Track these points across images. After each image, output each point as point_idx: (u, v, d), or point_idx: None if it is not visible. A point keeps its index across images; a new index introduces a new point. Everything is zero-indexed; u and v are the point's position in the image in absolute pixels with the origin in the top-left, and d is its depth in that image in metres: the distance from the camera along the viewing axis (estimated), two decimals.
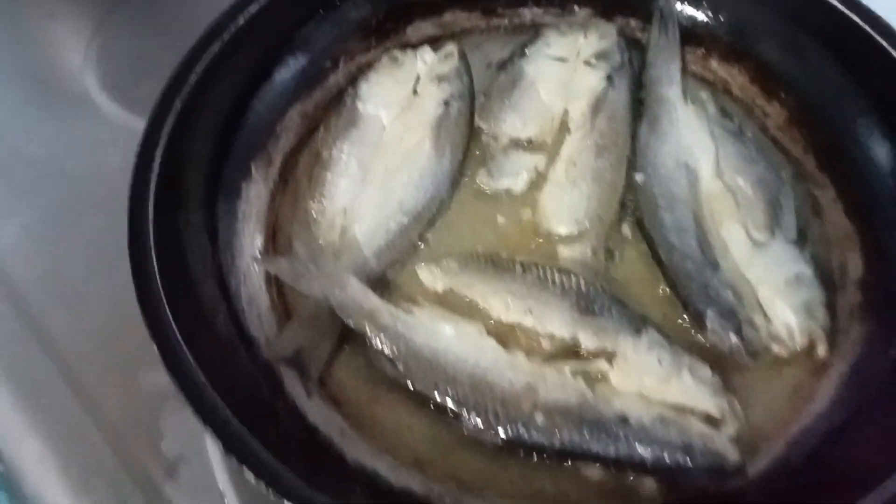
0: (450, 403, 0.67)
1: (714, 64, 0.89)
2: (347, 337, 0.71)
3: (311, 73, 0.85)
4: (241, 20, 0.75)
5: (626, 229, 0.78)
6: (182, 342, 0.60)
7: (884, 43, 0.74)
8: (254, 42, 0.78)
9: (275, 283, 0.75)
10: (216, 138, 0.74)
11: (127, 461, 0.75)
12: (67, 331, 0.79)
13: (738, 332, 0.69)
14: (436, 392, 0.67)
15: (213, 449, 0.74)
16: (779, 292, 0.72)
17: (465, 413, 0.66)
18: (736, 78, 0.88)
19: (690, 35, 0.88)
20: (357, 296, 0.70)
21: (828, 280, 0.74)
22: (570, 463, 0.65)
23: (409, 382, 0.68)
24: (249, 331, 0.70)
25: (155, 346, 0.59)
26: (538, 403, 0.66)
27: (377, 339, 0.69)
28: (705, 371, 0.67)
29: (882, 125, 0.76)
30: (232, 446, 0.55)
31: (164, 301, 0.62)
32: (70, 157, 0.94)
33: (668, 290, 0.74)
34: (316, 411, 0.67)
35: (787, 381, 0.70)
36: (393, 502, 0.61)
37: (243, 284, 0.72)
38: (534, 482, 0.65)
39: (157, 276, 0.63)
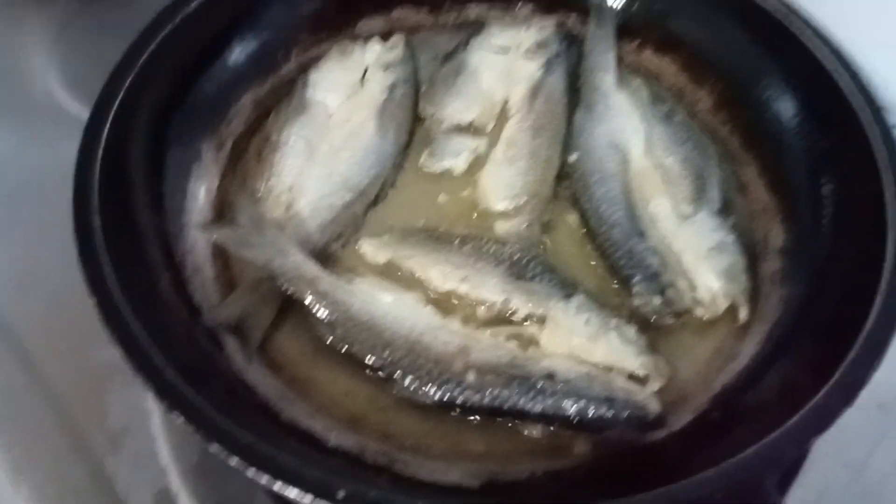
0: (385, 365, 0.69)
1: (648, 54, 0.94)
2: (289, 306, 0.74)
3: (265, 62, 0.89)
4: (192, 6, 0.79)
5: (562, 206, 0.82)
6: (123, 300, 0.62)
7: (795, 31, 0.79)
8: (203, 30, 0.81)
9: (220, 257, 0.77)
10: (163, 120, 0.77)
11: (70, 435, 0.75)
12: (16, 306, 0.80)
13: (662, 294, 0.72)
14: (372, 355, 0.70)
15: (157, 423, 0.75)
16: (702, 259, 0.75)
17: (399, 374, 0.69)
18: (668, 67, 0.93)
19: (625, 28, 0.93)
20: (298, 264, 0.72)
21: (751, 250, 0.78)
22: (500, 420, 0.67)
23: (346, 346, 0.70)
24: (193, 298, 0.72)
25: (95, 304, 0.61)
26: (470, 363, 0.68)
27: (317, 305, 0.71)
28: (631, 331, 0.70)
29: (796, 104, 0.81)
30: (165, 393, 0.57)
31: (109, 262, 0.64)
32: (29, 150, 0.97)
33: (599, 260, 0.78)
34: (255, 374, 0.69)
35: (712, 342, 0.73)
36: (324, 456, 0.63)
37: (189, 254, 0.75)
38: (465, 440, 0.67)
39: (102, 242, 0.65)
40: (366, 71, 0.89)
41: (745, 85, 0.86)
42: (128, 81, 0.73)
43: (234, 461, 0.54)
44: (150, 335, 0.60)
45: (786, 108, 0.82)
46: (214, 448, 0.54)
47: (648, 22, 0.93)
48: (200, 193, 0.80)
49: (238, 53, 0.86)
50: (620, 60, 0.92)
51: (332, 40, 0.93)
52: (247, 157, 0.85)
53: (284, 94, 0.89)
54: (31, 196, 0.91)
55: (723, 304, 0.73)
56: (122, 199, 0.70)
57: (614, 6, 0.93)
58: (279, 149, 0.83)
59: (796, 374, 0.65)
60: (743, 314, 0.73)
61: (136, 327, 0.59)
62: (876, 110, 0.73)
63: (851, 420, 0.73)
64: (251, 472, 0.53)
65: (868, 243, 0.68)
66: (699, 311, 0.74)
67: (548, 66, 0.89)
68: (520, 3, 0.97)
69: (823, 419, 0.57)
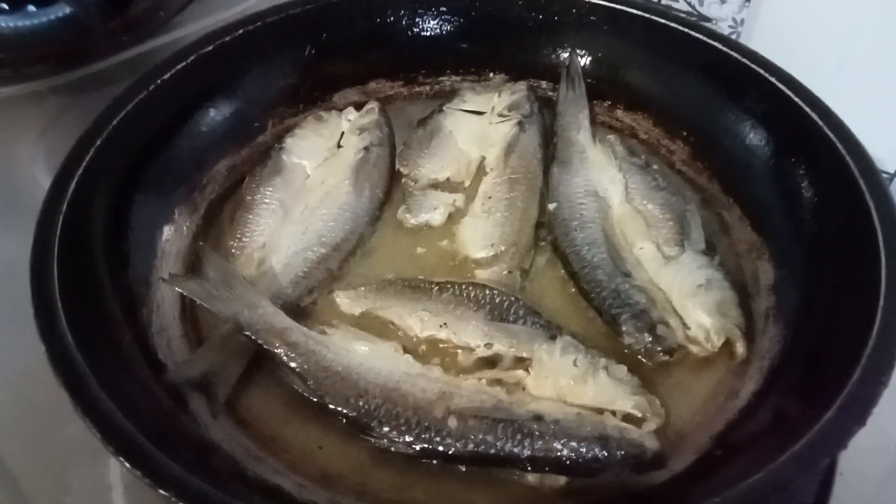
0: (360, 415, 0.64)
1: (620, 113, 0.95)
2: (259, 361, 0.70)
3: (240, 132, 0.89)
4: (166, 76, 0.81)
5: (544, 253, 0.80)
6: (82, 359, 0.58)
7: (762, 72, 0.81)
8: (175, 100, 0.82)
9: (189, 316, 0.74)
10: (130, 183, 0.76)
11: None
12: None
13: (652, 330, 0.69)
14: (346, 405, 0.65)
15: (118, 498, 0.69)
16: (691, 296, 0.72)
17: (375, 423, 0.64)
18: (641, 123, 0.94)
19: (596, 90, 0.95)
20: (267, 315, 0.69)
21: (742, 289, 0.75)
22: (486, 469, 0.62)
23: (319, 398, 0.66)
24: (158, 355, 0.68)
25: (49, 361, 0.57)
26: (451, 409, 0.63)
27: (287, 357, 0.67)
28: (622, 370, 0.66)
29: (769, 145, 0.81)
30: (133, 459, 0.52)
31: (64, 320, 0.60)
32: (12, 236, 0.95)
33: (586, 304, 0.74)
34: (220, 431, 0.64)
35: (709, 380, 0.69)
36: None
37: (155, 314, 0.71)
38: (449, 492, 0.61)
39: (59, 296, 0.62)
40: (341, 136, 0.90)
41: (717, 134, 0.86)
42: (96, 144, 0.73)
43: None
44: (113, 400, 0.55)
45: (759, 149, 0.82)
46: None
47: (616, 83, 0.95)
48: (171, 254, 0.78)
49: (212, 123, 0.86)
50: (594, 119, 0.94)
51: (308, 112, 0.94)
52: (221, 219, 0.84)
53: (260, 161, 0.89)
54: (8, 281, 0.89)
55: (717, 340, 0.69)
56: (84, 259, 0.68)
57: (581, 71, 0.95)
58: (252, 210, 0.82)
59: (796, 406, 0.60)
60: (740, 350, 0.69)
61: (98, 392, 0.55)
62: (854, 144, 0.72)
63: (870, 462, 0.68)
64: None
65: (859, 275, 0.65)
66: (694, 349, 0.70)
67: (521, 126, 0.90)
68: (492, 73, 1.00)
69: (831, 442, 0.52)
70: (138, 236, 0.74)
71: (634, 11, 0.91)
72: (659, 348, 0.68)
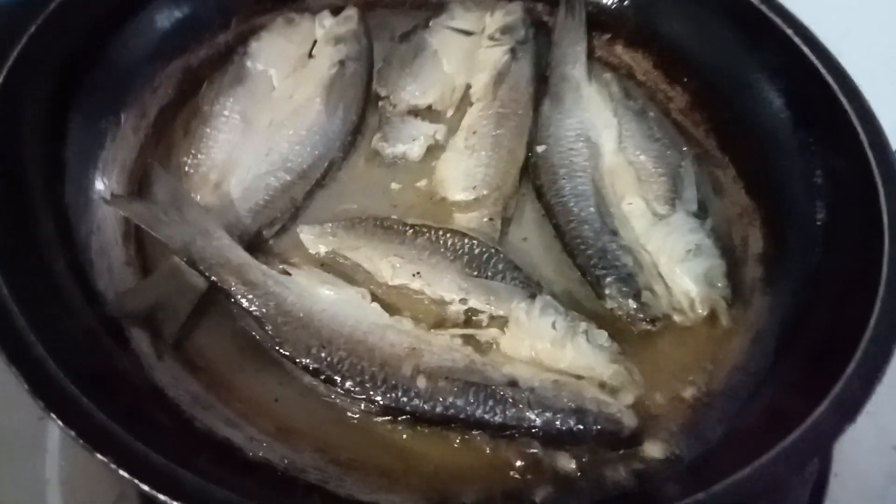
0: (322, 368, 0.59)
1: (619, 49, 0.88)
2: (213, 298, 0.63)
3: (198, 27, 0.79)
4: None
5: (528, 200, 0.75)
6: (7, 293, 0.51)
7: (778, 21, 0.74)
8: None
9: (134, 238, 0.67)
10: (69, 80, 0.66)
11: None
12: None
13: (637, 297, 0.65)
14: (307, 356, 0.60)
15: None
16: (679, 262, 0.68)
17: (339, 378, 0.59)
18: (640, 63, 0.87)
19: (596, 20, 0.87)
20: (223, 248, 0.62)
21: (730, 255, 0.72)
22: (454, 433, 0.58)
23: (277, 346, 0.60)
24: (96, 285, 0.61)
25: None
26: (421, 367, 0.59)
27: (243, 296, 0.61)
28: (602, 336, 0.63)
29: (780, 106, 0.75)
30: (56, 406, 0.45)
31: None
32: None
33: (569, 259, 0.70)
34: (165, 374, 0.58)
35: (691, 350, 0.66)
36: (245, 472, 0.52)
37: (95, 234, 0.64)
38: (413, 454, 0.58)
39: None
40: (314, 45, 0.80)
41: (723, 84, 0.80)
42: (30, 31, 0.63)
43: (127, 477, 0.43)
44: (42, 339, 0.49)
45: (765, 107, 0.76)
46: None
47: (621, 14, 0.87)
48: (115, 165, 0.69)
49: (166, 16, 0.76)
50: (591, 54, 0.86)
51: (278, 11, 0.84)
52: (173, 130, 0.75)
53: (220, 65, 0.79)
54: None
55: (702, 311, 0.66)
56: (10, 163, 0.59)
57: None
58: (209, 122, 0.73)
59: (788, 394, 0.58)
60: (724, 320, 0.66)
61: (26, 333, 0.48)
62: (869, 118, 0.67)
63: (868, 462, 0.67)
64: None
65: (864, 251, 0.62)
66: (677, 318, 0.67)
67: (514, 53, 0.82)
68: None
69: (821, 438, 0.50)
70: (77, 140, 0.66)
71: None
72: (642, 316, 0.65)
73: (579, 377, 0.61)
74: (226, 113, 0.73)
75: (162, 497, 0.42)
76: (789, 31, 0.74)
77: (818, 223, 0.68)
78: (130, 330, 0.59)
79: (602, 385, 0.61)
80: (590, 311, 0.66)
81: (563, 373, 0.61)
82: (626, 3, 0.87)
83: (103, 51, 0.70)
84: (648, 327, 0.65)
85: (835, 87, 0.69)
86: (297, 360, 0.60)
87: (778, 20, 0.75)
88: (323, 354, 0.60)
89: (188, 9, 0.78)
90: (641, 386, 0.61)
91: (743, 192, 0.76)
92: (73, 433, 0.44)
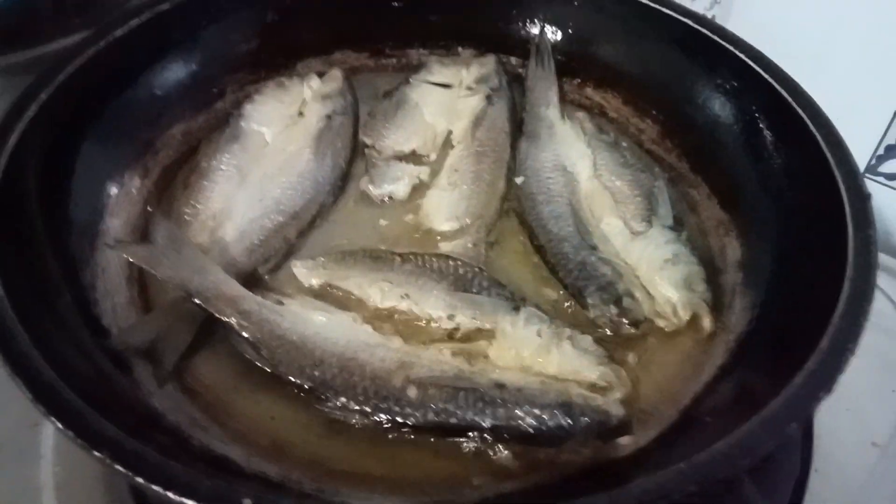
0: (315, 385, 0.61)
1: (589, 91, 0.94)
2: (211, 329, 0.66)
3: (197, 96, 0.86)
4: (120, 32, 0.77)
5: (509, 225, 0.78)
6: (14, 316, 0.54)
7: (733, 49, 0.80)
8: (128, 57, 0.78)
9: (137, 281, 0.71)
10: (76, 140, 0.72)
11: None
12: None
13: (618, 302, 0.67)
14: (300, 375, 0.62)
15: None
16: (658, 270, 0.71)
17: (331, 394, 0.61)
18: (610, 101, 0.93)
19: (566, 67, 0.93)
20: (218, 282, 0.66)
21: (709, 264, 0.74)
22: (445, 439, 0.59)
23: (272, 367, 0.63)
24: (100, 321, 0.64)
25: None
26: (411, 378, 0.61)
27: (240, 324, 0.64)
28: (587, 340, 0.64)
29: (740, 125, 0.80)
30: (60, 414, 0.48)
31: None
32: None
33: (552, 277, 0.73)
34: (165, 400, 0.60)
35: (677, 354, 0.67)
36: (240, 480, 0.53)
37: (100, 277, 0.68)
38: (406, 463, 0.59)
39: None
40: (303, 104, 0.87)
41: (687, 111, 0.85)
42: (40, 97, 0.69)
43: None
44: (46, 359, 0.51)
45: (729, 128, 0.81)
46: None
47: (586, 60, 0.93)
48: (119, 217, 0.74)
49: (167, 84, 0.83)
50: (563, 97, 0.92)
51: (270, 79, 0.91)
52: (174, 186, 0.80)
53: (217, 128, 0.85)
54: None
55: (684, 314, 0.68)
56: (20, 213, 0.64)
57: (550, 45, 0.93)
58: (208, 175, 0.78)
59: (763, 378, 0.59)
60: (707, 324, 0.68)
61: (30, 350, 0.51)
62: (823, 121, 0.71)
63: (848, 457, 0.67)
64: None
65: (827, 248, 0.64)
66: (661, 323, 0.68)
67: (489, 99, 0.88)
68: (460, 48, 0.97)
69: (796, 408, 0.51)
70: (82, 195, 0.70)
71: None
72: (625, 320, 0.67)
73: (566, 380, 0.62)
74: (223, 167, 0.79)
75: (155, 487, 0.44)
76: (740, 55, 0.79)
77: (784, 224, 0.70)
78: (132, 360, 0.62)
79: (591, 388, 0.62)
80: (575, 323, 0.68)
81: (550, 377, 0.62)
82: (591, 50, 0.93)
83: (107, 115, 0.76)
84: (632, 331, 0.67)
85: (789, 100, 0.74)
86: (292, 380, 0.62)
87: (724, 43, 0.81)
88: (316, 373, 0.62)
89: (188, 80, 0.85)
90: (628, 384, 0.62)
91: (717, 207, 0.79)
92: (71, 433, 0.46)
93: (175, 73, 0.84)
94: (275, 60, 0.92)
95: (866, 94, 0.92)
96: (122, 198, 0.75)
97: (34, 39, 1.04)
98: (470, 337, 0.66)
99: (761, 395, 0.54)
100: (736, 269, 0.73)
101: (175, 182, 0.80)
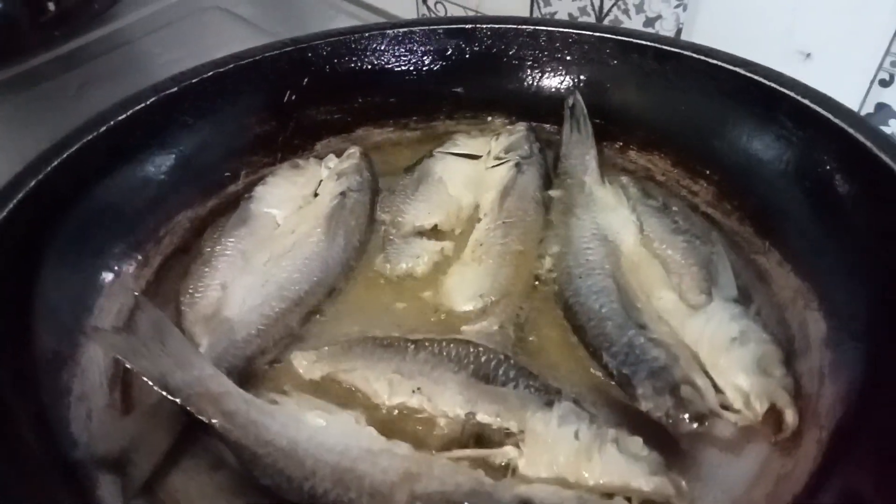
0: (304, 500, 0.51)
1: (633, 154, 0.84)
2: (195, 437, 0.57)
3: (206, 182, 0.81)
4: (125, 115, 0.73)
5: (543, 303, 0.68)
6: None
7: (790, 93, 0.70)
8: (126, 144, 0.74)
9: (121, 383, 0.63)
10: (67, 229, 0.67)
11: None
12: None
13: (675, 392, 0.55)
14: (289, 489, 0.52)
15: None
16: (723, 352, 0.58)
17: None
18: (657, 164, 0.83)
19: (605, 130, 0.85)
20: (202, 378, 0.57)
21: (790, 346, 0.61)
22: None
23: (257, 478, 0.53)
24: (69, 428, 0.56)
25: None
26: (417, 492, 0.50)
27: (222, 427, 0.55)
28: (636, 443, 0.52)
29: (811, 178, 0.68)
30: None
31: None
32: None
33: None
34: None
35: (752, 458, 0.54)
36: None
37: (77, 379, 0.60)
38: None
39: None
40: (319, 184, 0.81)
41: (744, 167, 0.74)
42: (28, 185, 0.64)
43: None
44: None
45: (797, 182, 0.69)
46: None
47: (627, 122, 0.84)
48: (110, 313, 0.67)
49: (173, 170, 0.78)
50: (604, 162, 0.83)
51: (287, 161, 0.86)
52: (174, 274, 0.73)
53: (227, 211, 0.79)
54: None
55: (760, 406, 0.55)
56: None
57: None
58: (210, 262, 0.72)
59: (868, 479, 0.45)
60: (790, 418, 0.54)
61: None
62: None
63: None
64: None
65: None
66: (731, 418, 0.55)
67: (518, 167, 0.80)
68: (489, 117, 0.91)
69: None
70: (65, 290, 0.64)
71: (646, 42, 0.81)
72: (685, 414, 0.54)
73: (611, 495, 0.49)
74: (227, 252, 0.72)
75: None
76: (802, 100, 0.69)
77: (874, 290, 0.57)
78: (97, 474, 0.53)
79: (642, 503, 0.49)
80: (623, 421, 0.56)
81: (591, 490, 0.50)
82: (632, 111, 0.84)
83: (107, 201, 0.71)
84: (694, 427, 0.54)
85: (868, 145, 0.62)
86: (278, 495, 0.52)
87: (782, 88, 0.71)
88: (305, 487, 0.52)
89: (195, 166, 0.79)
90: (689, 501, 0.49)
91: (792, 275, 0.67)
92: None
93: (182, 157, 0.79)
94: (293, 141, 0.87)
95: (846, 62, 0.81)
96: (115, 289, 0.69)
97: (12, 54, 1.03)
98: (493, 440, 0.55)
99: None
100: (823, 348, 0.60)
101: (174, 272, 0.74)
